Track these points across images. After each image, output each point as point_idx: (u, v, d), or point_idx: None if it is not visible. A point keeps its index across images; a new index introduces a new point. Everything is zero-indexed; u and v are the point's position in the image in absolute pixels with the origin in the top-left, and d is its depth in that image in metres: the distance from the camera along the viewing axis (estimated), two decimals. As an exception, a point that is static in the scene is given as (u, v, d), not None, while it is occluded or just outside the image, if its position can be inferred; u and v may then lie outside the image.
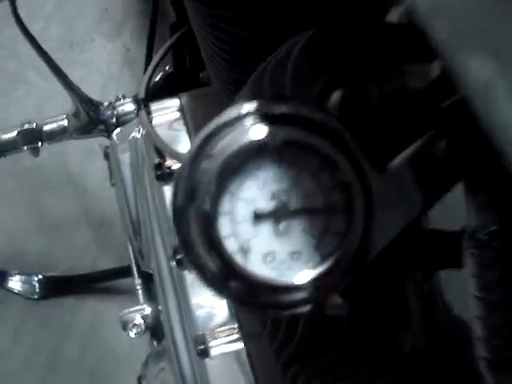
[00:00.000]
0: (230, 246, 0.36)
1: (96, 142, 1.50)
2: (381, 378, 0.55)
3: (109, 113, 1.18)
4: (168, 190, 0.97)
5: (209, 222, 0.36)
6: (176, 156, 0.91)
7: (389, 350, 0.57)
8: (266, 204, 0.37)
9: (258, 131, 0.36)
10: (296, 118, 0.37)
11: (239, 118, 0.37)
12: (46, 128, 1.21)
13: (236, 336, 0.86)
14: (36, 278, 1.59)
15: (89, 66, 1.83)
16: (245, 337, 0.86)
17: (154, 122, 1.02)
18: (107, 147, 1.24)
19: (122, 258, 1.49)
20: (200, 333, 0.87)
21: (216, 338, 0.86)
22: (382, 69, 0.45)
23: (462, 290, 0.46)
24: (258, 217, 0.37)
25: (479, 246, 0.41)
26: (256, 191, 0.37)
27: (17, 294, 1.59)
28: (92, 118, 1.19)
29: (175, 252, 0.91)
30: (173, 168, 0.95)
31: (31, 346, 1.56)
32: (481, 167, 0.39)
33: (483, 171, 0.39)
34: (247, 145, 0.36)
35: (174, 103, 1.06)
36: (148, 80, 1.06)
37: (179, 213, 0.37)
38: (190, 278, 0.92)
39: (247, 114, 0.37)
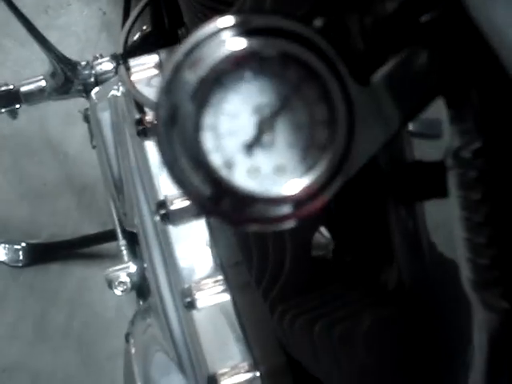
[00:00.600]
0: (215, 160, 0.36)
1: (75, 107, 1.49)
2: (366, 313, 0.55)
3: (87, 72, 1.17)
4: (150, 145, 0.96)
5: (192, 138, 0.35)
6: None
7: (374, 286, 0.58)
8: (249, 117, 0.36)
9: (240, 42, 0.36)
10: (280, 31, 0.36)
11: (221, 30, 0.36)
12: (24, 89, 1.19)
13: (222, 287, 0.86)
14: (20, 246, 1.59)
15: (66, 31, 1.81)
16: (231, 288, 0.86)
17: (133, 78, 1.01)
18: (87, 109, 1.22)
19: (105, 222, 1.49)
20: (186, 286, 0.87)
21: (202, 290, 0.86)
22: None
23: (445, 218, 0.46)
24: (250, 146, 0.37)
25: (463, 164, 0.41)
26: (239, 104, 0.36)
27: (1, 262, 1.59)
28: (69, 78, 1.18)
29: (159, 207, 0.90)
30: (154, 123, 0.94)
31: (17, 313, 1.56)
32: (462, 83, 0.38)
33: (466, 86, 0.38)
34: (229, 55, 0.35)
35: (153, 59, 1.05)
36: (126, 35, 1.05)
37: (162, 132, 0.36)
38: (175, 231, 0.91)
39: (229, 27, 0.36)
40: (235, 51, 0.35)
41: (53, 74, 1.20)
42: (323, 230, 0.60)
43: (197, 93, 0.35)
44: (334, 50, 0.37)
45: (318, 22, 0.45)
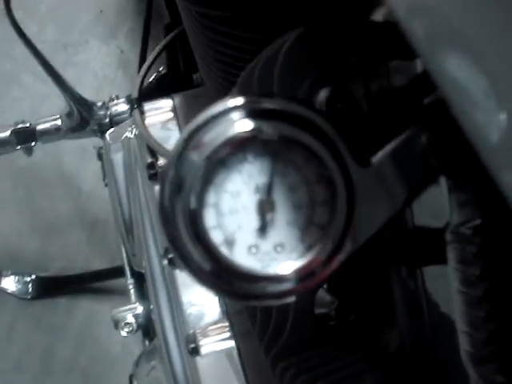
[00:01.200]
0: (216, 237, 0.37)
1: (90, 143, 1.51)
2: (367, 374, 0.55)
3: (102, 113, 1.18)
4: (160, 190, 0.96)
5: (194, 214, 0.36)
6: (167, 155, 0.92)
7: (375, 347, 0.58)
8: (250, 197, 0.38)
9: (244, 125, 0.37)
10: (282, 113, 0.38)
11: (226, 112, 0.38)
12: (40, 127, 1.21)
13: (227, 334, 0.86)
14: (29, 278, 1.60)
15: (83, 68, 1.84)
16: (235, 335, 0.86)
17: (147, 121, 1.02)
18: (101, 148, 1.24)
19: (114, 258, 1.50)
20: (191, 331, 0.87)
21: (207, 337, 0.86)
22: (368, 67, 0.46)
23: (446, 286, 0.47)
24: (264, 228, 0.38)
25: (462, 240, 0.42)
26: (241, 184, 0.37)
27: (10, 294, 1.59)
28: (85, 118, 1.20)
29: (167, 251, 0.91)
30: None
31: (24, 346, 1.56)
32: (463, 163, 0.39)
33: (465, 167, 0.39)
34: (233, 138, 0.37)
35: (167, 103, 1.06)
36: (141, 80, 1.07)
37: (166, 205, 0.38)
38: (182, 276, 0.92)
39: (234, 108, 0.38)
40: (238, 134, 0.36)
41: (69, 114, 1.21)
42: (326, 288, 0.61)
43: (201, 172, 0.36)
44: (335, 133, 0.38)
45: (323, 93, 0.47)
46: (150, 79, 1.23)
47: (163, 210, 0.37)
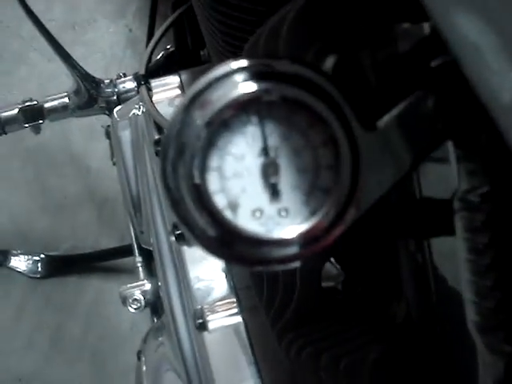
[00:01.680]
0: (219, 201, 0.37)
1: (98, 122, 1.50)
2: (373, 346, 0.55)
3: (109, 90, 1.18)
4: (168, 166, 0.96)
5: (198, 178, 0.36)
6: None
7: (382, 319, 0.58)
8: (254, 160, 0.37)
9: (248, 86, 0.37)
10: (287, 75, 0.37)
11: (230, 74, 0.37)
12: (47, 105, 1.21)
13: (234, 310, 0.86)
14: (39, 258, 1.61)
15: (91, 47, 1.83)
16: (243, 311, 0.86)
17: (155, 98, 1.02)
18: (108, 126, 1.24)
19: (123, 237, 1.51)
20: (199, 307, 0.87)
21: (214, 312, 0.86)
22: (375, 34, 0.45)
23: (453, 260, 0.46)
24: (276, 193, 0.37)
25: (470, 208, 0.41)
26: (245, 147, 0.37)
27: (20, 272, 1.60)
28: (92, 96, 1.19)
29: (174, 227, 0.90)
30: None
31: (34, 324, 1.57)
32: (470, 128, 0.39)
33: (472, 132, 0.39)
34: (236, 99, 0.36)
35: (174, 80, 1.06)
36: (148, 56, 1.06)
37: (168, 170, 0.37)
38: (189, 252, 0.92)
39: (238, 70, 0.37)
40: (242, 95, 0.36)
41: (76, 92, 1.21)
42: (333, 261, 0.60)
43: (204, 135, 0.35)
44: (341, 96, 0.37)
45: (330, 60, 0.46)
46: (158, 56, 1.23)
47: (165, 176, 0.37)
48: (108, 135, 1.26)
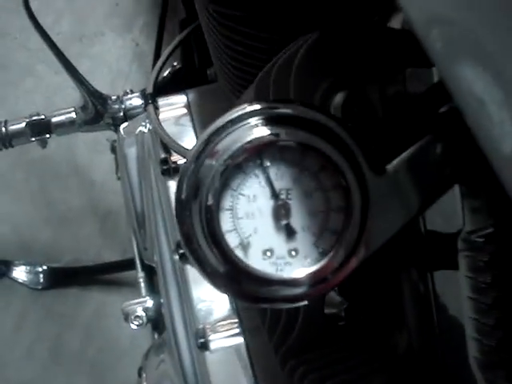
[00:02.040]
0: (231, 240, 0.38)
1: (103, 136, 1.51)
2: (375, 376, 0.56)
3: (116, 106, 1.19)
4: (173, 185, 0.97)
5: (211, 217, 0.37)
6: (182, 151, 0.92)
7: (384, 349, 0.58)
8: (266, 201, 0.38)
9: (260, 131, 0.38)
10: (299, 119, 0.38)
11: (244, 118, 0.38)
12: (54, 120, 1.22)
13: (236, 330, 0.87)
14: (41, 269, 1.61)
15: (98, 60, 1.84)
16: (245, 331, 0.87)
17: (161, 117, 1.03)
18: (114, 141, 1.25)
19: (126, 250, 1.51)
20: (201, 326, 0.88)
21: (216, 332, 0.87)
22: (385, 73, 0.46)
23: (456, 291, 0.47)
24: (292, 233, 0.38)
25: (473, 248, 0.42)
26: (257, 189, 0.38)
27: (21, 283, 1.61)
28: (99, 112, 1.20)
29: (178, 246, 0.91)
30: (178, 163, 0.95)
31: (34, 336, 1.58)
32: (476, 171, 0.40)
33: (479, 175, 0.40)
34: (250, 143, 0.37)
35: (181, 99, 1.06)
36: (156, 75, 1.07)
37: (182, 207, 0.38)
38: (193, 271, 0.92)
39: (252, 114, 0.38)
40: (256, 140, 0.37)
41: (83, 107, 1.22)
42: (336, 289, 0.61)
43: (219, 175, 0.36)
44: (352, 140, 0.38)
45: (339, 96, 0.47)
46: (165, 74, 1.24)
47: (180, 212, 0.38)
48: (113, 150, 1.27)
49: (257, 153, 0.37)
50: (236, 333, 0.87)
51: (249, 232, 0.38)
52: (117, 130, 1.18)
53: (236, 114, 0.38)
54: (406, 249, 0.51)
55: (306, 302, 0.39)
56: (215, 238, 0.37)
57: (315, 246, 0.38)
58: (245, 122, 0.38)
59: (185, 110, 1.05)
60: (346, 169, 0.38)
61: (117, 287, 1.59)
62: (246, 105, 0.38)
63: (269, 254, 0.38)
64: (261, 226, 0.38)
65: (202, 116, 1.04)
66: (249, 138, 0.37)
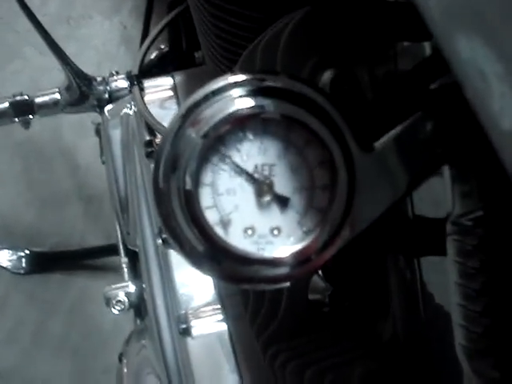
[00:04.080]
0: (211, 217, 0.36)
1: (89, 118, 1.49)
2: (358, 363, 0.55)
3: (101, 88, 1.17)
4: (157, 168, 0.95)
5: (190, 193, 0.35)
6: (164, 131, 0.91)
7: (368, 336, 0.57)
8: (248, 177, 0.36)
9: (245, 102, 0.36)
10: (285, 92, 0.36)
11: (226, 88, 0.36)
12: (38, 100, 1.20)
13: (219, 317, 0.85)
14: (23, 253, 1.59)
15: (85, 43, 1.82)
16: (228, 318, 0.86)
17: (147, 98, 1.01)
18: (99, 124, 1.23)
19: (110, 235, 1.49)
20: (183, 312, 0.86)
21: (199, 318, 0.86)
22: (374, 50, 0.45)
23: (442, 277, 0.46)
24: (283, 203, 0.36)
25: (462, 232, 0.41)
26: (239, 164, 0.36)
27: (3, 268, 1.59)
28: (84, 93, 1.18)
29: (161, 230, 0.90)
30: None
31: (16, 320, 1.56)
32: (467, 151, 0.38)
33: (470, 156, 0.38)
34: (233, 115, 0.35)
35: (167, 81, 1.05)
36: (142, 56, 1.05)
37: (160, 183, 0.36)
38: (175, 256, 0.91)
39: (235, 85, 0.36)
40: (239, 111, 0.35)
41: (68, 88, 1.20)
42: (321, 273, 0.60)
43: (198, 149, 0.35)
44: (339, 115, 0.36)
45: (327, 74, 0.45)
46: (152, 56, 1.22)
47: (157, 189, 0.36)
48: (98, 133, 1.25)
49: (239, 125, 0.35)
50: (219, 319, 0.86)
51: (229, 209, 0.36)
52: (101, 112, 1.17)
53: (218, 85, 0.36)
54: (393, 233, 0.50)
55: (288, 284, 0.37)
56: (194, 214, 0.35)
57: (299, 224, 0.36)
58: (228, 93, 0.36)
59: (171, 93, 1.03)
60: (332, 145, 0.36)
61: (101, 272, 1.58)
62: (229, 75, 0.36)
63: (250, 232, 0.36)
64: (242, 203, 0.36)
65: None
66: (231, 110, 0.35)
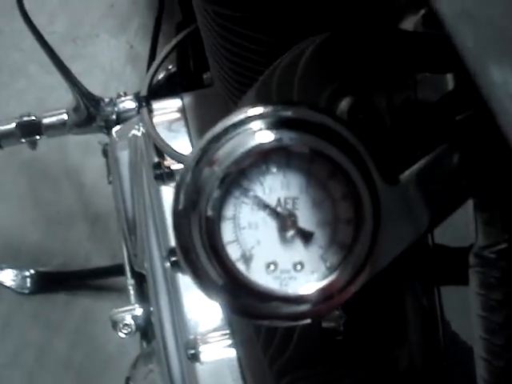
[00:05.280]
0: (233, 252, 0.35)
1: (95, 138, 1.49)
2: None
3: (109, 109, 1.16)
4: (166, 190, 0.95)
5: (212, 227, 0.34)
6: (176, 156, 0.90)
7: (384, 365, 0.56)
8: (271, 211, 0.35)
9: (264, 136, 0.35)
10: (306, 123, 0.35)
11: (245, 122, 0.36)
12: (45, 121, 1.19)
13: (228, 342, 0.85)
14: (28, 273, 1.58)
15: (92, 62, 1.82)
16: (237, 343, 0.85)
17: (155, 120, 1.01)
18: (106, 144, 1.22)
19: (115, 255, 1.48)
20: (191, 337, 0.86)
21: (207, 343, 0.85)
22: (393, 78, 0.44)
23: (462, 307, 0.45)
24: (307, 238, 0.35)
25: (486, 264, 0.40)
26: (262, 197, 0.35)
27: (7, 287, 1.57)
28: (92, 114, 1.18)
29: (170, 253, 0.89)
30: (172, 168, 0.93)
31: (20, 341, 1.54)
32: (493, 184, 0.37)
33: (494, 188, 0.38)
34: (253, 149, 0.35)
35: (175, 103, 1.05)
36: (151, 78, 1.05)
37: (180, 216, 0.35)
38: (184, 280, 0.90)
39: (254, 118, 0.35)
40: (262, 145, 0.34)
41: (75, 109, 1.19)
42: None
43: (220, 183, 0.34)
44: (363, 147, 0.36)
45: (345, 102, 0.45)
46: (159, 77, 1.22)
47: (178, 221, 0.35)
48: (105, 153, 1.24)
49: (262, 159, 0.34)
50: (228, 344, 0.85)
51: (251, 243, 0.35)
52: (109, 133, 1.16)
53: (237, 118, 0.35)
54: (412, 263, 0.49)
55: (308, 321, 0.36)
56: (215, 249, 0.35)
57: (322, 259, 0.36)
58: (247, 127, 0.35)
59: (179, 114, 1.03)
60: (356, 177, 0.35)
61: (105, 293, 1.57)
62: (247, 108, 0.35)
63: (272, 267, 0.36)
64: (264, 238, 0.35)
65: (196, 120, 1.02)
66: (251, 144, 0.34)
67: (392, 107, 0.44)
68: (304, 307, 0.36)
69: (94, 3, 1.89)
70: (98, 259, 1.60)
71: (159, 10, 1.37)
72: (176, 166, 0.93)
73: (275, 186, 0.35)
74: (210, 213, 0.34)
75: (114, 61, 1.83)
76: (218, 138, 0.36)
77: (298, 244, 0.36)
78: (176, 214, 0.36)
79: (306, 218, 0.36)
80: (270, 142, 0.35)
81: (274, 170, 0.35)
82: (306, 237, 0.35)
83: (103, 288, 1.58)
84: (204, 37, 0.89)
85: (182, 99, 1.05)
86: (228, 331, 0.84)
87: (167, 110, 1.03)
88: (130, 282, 1.15)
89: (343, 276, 0.36)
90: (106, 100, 1.19)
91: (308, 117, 0.36)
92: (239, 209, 0.35)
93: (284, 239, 0.36)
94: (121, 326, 1.03)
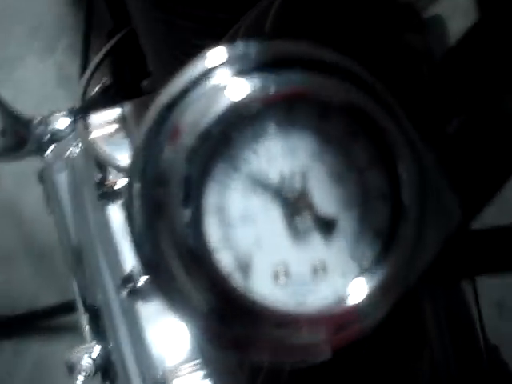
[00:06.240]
0: (223, 261, 0.23)
1: (32, 166, 1.38)
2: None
3: (41, 129, 1.05)
4: (112, 210, 0.85)
5: (190, 231, 0.22)
6: (121, 168, 0.80)
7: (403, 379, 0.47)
8: (272, 192, 0.23)
9: (248, 85, 0.23)
10: (311, 63, 0.23)
11: (209, 73, 0.23)
12: (-31, 150, 1.07)
13: (202, 373, 0.75)
14: (-31, 321, 1.46)
15: (19, 87, 1.74)
16: (212, 374, 0.75)
17: (93, 134, 0.91)
18: (42, 170, 1.12)
19: (65, 291, 1.38)
20: (160, 373, 0.76)
21: (178, 377, 0.76)
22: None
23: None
24: (329, 228, 0.23)
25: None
26: (256, 173, 0.23)
27: None
28: (22, 137, 1.07)
29: (125, 281, 0.80)
30: (118, 184, 0.84)
31: (-34, 398, 1.42)
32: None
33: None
34: (229, 109, 0.22)
35: (114, 113, 0.95)
36: (84, 88, 0.95)
37: (137, 224, 0.24)
38: (144, 309, 0.81)
39: (221, 66, 0.23)
40: (245, 100, 0.23)
41: (3, 132, 1.08)
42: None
43: (192, 163, 0.22)
44: (394, 97, 0.24)
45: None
46: (94, 91, 1.13)
47: (138, 236, 0.23)
48: (41, 179, 1.14)
49: (246, 121, 0.22)
50: (202, 375, 0.75)
51: (249, 244, 0.23)
52: (43, 156, 1.06)
53: (197, 70, 0.23)
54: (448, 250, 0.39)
55: (329, 355, 0.24)
56: (198, 260, 0.22)
57: (351, 257, 0.24)
58: (212, 79, 0.23)
59: (119, 125, 0.94)
60: (394, 134, 0.23)
61: (58, 334, 1.47)
62: (209, 54, 0.23)
63: (282, 275, 0.24)
64: (266, 234, 0.23)
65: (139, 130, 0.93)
66: (225, 103, 0.22)
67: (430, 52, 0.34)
68: (324, 333, 0.23)
69: (18, 25, 1.83)
70: (46, 298, 1.51)
71: (86, 25, 1.32)
72: (122, 182, 0.83)
73: (274, 155, 0.23)
74: (184, 210, 0.22)
75: (43, 85, 1.76)
76: (175, 103, 0.23)
77: (316, 238, 0.24)
78: (134, 226, 0.24)
79: (323, 199, 0.23)
80: (250, 96, 0.23)
81: (271, 130, 0.23)
82: (328, 227, 0.22)
83: (55, 329, 1.50)
84: (143, 33, 0.81)
85: (121, 108, 0.95)
86: (199, 360, 0.75)
87: (106, 121, 0.94)
88: (83, 317, 1.04)
89: (382, 281, 0.24)
90: (37, 119, 1.08)
91: (312, 53, 0.24)
92: (225, 197, 0.23)
93: (295, 233, 0.23)
94: (78, 370, 0.91)
